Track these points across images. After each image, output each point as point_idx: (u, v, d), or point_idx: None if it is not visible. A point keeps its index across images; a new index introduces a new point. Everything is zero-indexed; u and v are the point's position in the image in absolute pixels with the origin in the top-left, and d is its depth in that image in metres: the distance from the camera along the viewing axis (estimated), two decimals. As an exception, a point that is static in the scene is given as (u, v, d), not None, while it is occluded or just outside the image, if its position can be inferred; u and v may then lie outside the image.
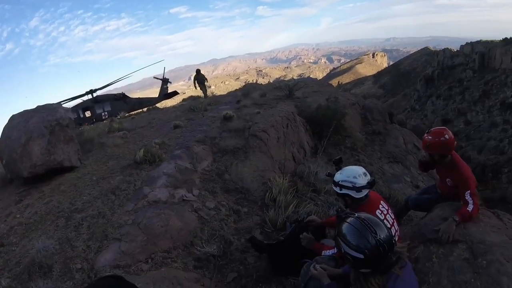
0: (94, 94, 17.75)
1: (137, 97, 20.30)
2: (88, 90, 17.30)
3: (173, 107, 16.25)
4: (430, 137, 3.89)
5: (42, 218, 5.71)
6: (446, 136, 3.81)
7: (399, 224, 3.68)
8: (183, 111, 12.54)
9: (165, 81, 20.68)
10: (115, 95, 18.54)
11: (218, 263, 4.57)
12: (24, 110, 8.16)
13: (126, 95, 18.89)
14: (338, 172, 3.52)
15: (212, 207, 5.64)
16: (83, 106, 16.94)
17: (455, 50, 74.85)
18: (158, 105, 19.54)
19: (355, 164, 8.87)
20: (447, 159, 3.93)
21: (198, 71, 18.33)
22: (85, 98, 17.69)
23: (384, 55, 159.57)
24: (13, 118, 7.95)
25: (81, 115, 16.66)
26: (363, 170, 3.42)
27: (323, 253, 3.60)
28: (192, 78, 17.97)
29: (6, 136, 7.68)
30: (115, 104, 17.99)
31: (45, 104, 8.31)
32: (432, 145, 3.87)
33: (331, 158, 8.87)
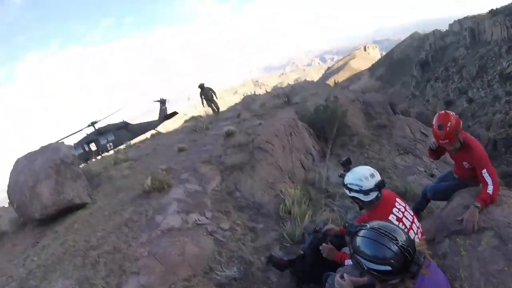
0: (96, 126, 17.83)
1: (138, 122, 20.26)
2: (90, 122, 17.37)
3: (176, 130, 16.13)
4: (443, 129, 3.64)
5: (59, 259, 5.67)
6: (452, 117, 3.61)
7: (419, 220, 3.56)
8: (186, 133, 12.52)
9: (163, 102, 20.66)
10: (117, 124, 18.56)
11: (240, 286, 4.47)
12: (28, 153, 8.19)
13: (127, 123, 18.97)
14: (347, 173, 3.40)
15: (227, 228, 5.54)
16: (87, 140, 17.08)
17: (445, 30, 74.64)
18: (161, 130, 19.46)
19: (366, 162, 8.84)
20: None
21: (201, 86, 16.23)
22: (87, 130, 17.76)
23: (376, 47, 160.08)
24: (18, 162, 7.98)
25: (87, 149, 16.74)
26: (371, 171, 3.27)
27: (345, 263, 3.47)
28: (197, 96, 16.83)
29: (14, 180, 7.70)
30: (118, 133, 18.09)
31: (48, 144, 8.33)
32: (449, 135, 3.63)
33: (340, 159, 8.76)
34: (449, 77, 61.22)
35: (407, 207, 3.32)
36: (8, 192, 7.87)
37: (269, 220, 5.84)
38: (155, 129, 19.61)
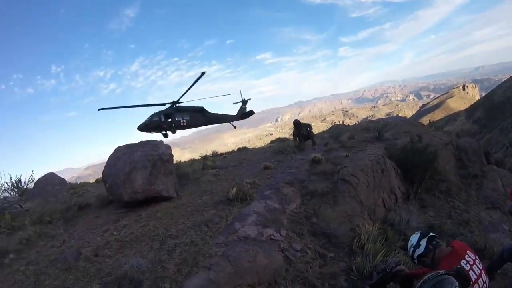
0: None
1: (216, 112, 21.15)
2: (172, 101, 18.70)
3: (262, 148, 16.77)
4: None
5: (137, 238, 6.30)
6: None
7: (491, 278, 3.47)
8: (272, 152, 13.02)
9: (244, 102, 21.37)
10: (195, 107, 19.76)
11: (299, 305, 4.55)
12: (129, 144, 9.20)
13: (205, 109, 19.94)
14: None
15: (299, 249, 5.70)
16: (165, 113, 18.32)
17: None
18: (248, 146, 20.10)
19: (449, 212, 8.43)
20: None
21: (297, 123, 14.03)
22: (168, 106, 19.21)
23: (475, 87, 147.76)
24: (118, 150, 9.00)
25: (162, 120, 18.04)
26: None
27: None
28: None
29: (111, 164, 8.69)
30: (194, 115, 19.23)
31: (149, 140, 9.31)
32: None
33: (424, 204, 8.43)
34: (553, 125, 53.09)
35: (476, 261, 3.25)
36: (104, 172, 8.89)
37: (341, 251, 5.89)
38: (231, 123, 20.42)
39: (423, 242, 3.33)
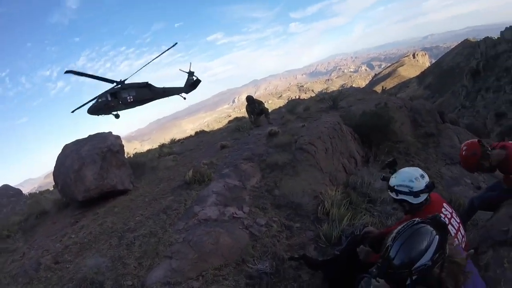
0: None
1: (162, 86, 20.99)
2: (119, 80, 18.46)
3: (220, 129, 16.76)
4: (460, 152, 3.91)
5: (96, 238, 6.01)
6: (472, 148, 3.77)
7: (465, 229, 3.35)
8: (229, 132, 12.94)
9: (190, 74, 21.21)
10: (140, 83, 19.55)
11: (270, 280, 4.39)
12: (76, 139, 8.74)
13: (150, 84, 19.88)
14: (393, 175, 3.22)
15: (263, 223, 5.51)
16: (111, 92, 18.13)
17: (496, 38, 69.28)
18: (206, 129, 19.99)
19: (411, 171, 8.56)
20: (502, 158, 3.70)
21: (250, 99, 13.78)
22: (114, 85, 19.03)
23: (425, 54, 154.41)
24: (66, 147, 8.52)
25: (109, 99, 17.86)
26: (420, 171, 3.11)
27: None
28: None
29: (60, 164, 8.20)
30: (140, 90, 19.12)
31: (96, 133, 8.88)
32: (461, 157, 3.91)
33: (385, 161, 8.53)
34: (501, 87, 55.81)
35: (453, 213, 3.12)
36: (54, 174, 8.42)
37: (306, 220, 5.73)
38: (181, 95, 20.42)
39: (423, 197, 3.07)
